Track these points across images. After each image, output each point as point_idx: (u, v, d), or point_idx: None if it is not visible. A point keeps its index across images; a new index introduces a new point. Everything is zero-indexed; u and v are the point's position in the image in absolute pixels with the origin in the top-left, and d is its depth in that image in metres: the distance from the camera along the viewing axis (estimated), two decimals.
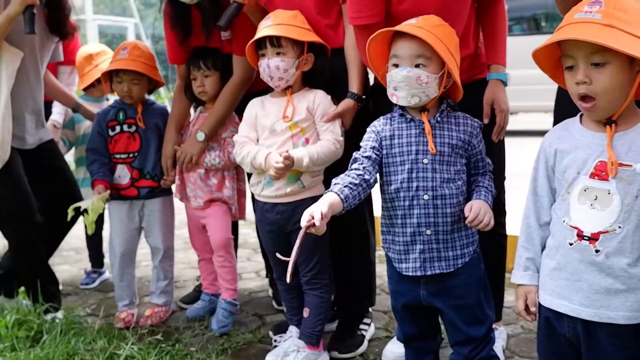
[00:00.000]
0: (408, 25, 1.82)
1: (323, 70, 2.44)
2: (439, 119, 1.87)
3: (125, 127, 2.92)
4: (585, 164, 1.48)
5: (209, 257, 3.03)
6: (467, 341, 1.88)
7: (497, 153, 2.28)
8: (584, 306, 1.49)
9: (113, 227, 2.99)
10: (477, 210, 1.79)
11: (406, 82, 1.80)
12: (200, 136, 2.77)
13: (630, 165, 1.42)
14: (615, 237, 1.44)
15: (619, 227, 1.44)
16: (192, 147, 2.80)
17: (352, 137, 2.40)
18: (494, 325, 2.41)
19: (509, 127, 2.37)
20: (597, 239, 1.46)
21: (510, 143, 2.51)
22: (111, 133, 2.93)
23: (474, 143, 1.89)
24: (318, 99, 2.38)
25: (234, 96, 2.77)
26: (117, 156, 2.92)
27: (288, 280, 1.75)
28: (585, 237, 1.48)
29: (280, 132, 2.36)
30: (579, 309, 1.50)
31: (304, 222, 1.69)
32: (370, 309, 2.74)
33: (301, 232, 1.74)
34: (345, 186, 1.80)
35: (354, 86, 2.39)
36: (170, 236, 3.08)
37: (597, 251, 1.46)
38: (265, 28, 2.31)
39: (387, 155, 1.90)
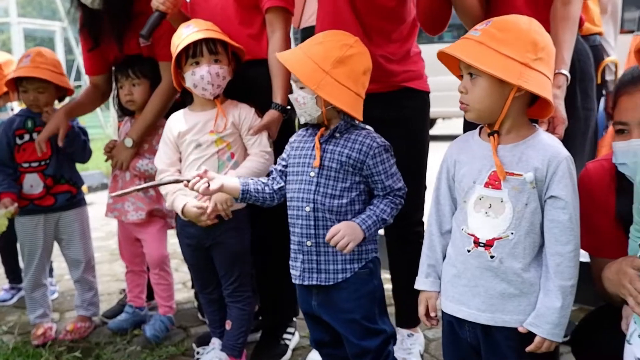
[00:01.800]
0: (286, 53, 1.87)
1: (242, 80, 2.43)
2: (336, 134, 1.86)
3: (34, 135, 2.83)
4: (480, 174, 1.55)
5: (138, 270, 2.98)
6: (363, 353, 1.89)
7: (418, 160, 2.35)
8: (481, 311, 1.55)
9: (25, 239, 2.89)
10: (335, 231, 1.78)
11: (293, 103, 1.87)
12: (128, 142, 2.73)
13: (521, 175, 1.50)
14: (508, 242, 1.51)
15: (512, 234, 1.51)
16: (121, 153, 2.76)
17: (279, 148, 2.43)
18: (410, 331, 2.49)
19: (432, 132, 2.43)
20: (491, 245, 1.52)
21: (434, 148, 2.57)
22: (19, 141, 2.84)
23: (369, 163, 1.83)
24: (244, 113, 2.37)
25: (163, 102, 2.73)
26: (27, 165, 2.83)
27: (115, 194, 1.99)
28: (481, 244, 1.54)
29: (205, 147, 2.32)
30: (477, 313, 1.56)
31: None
32: (294, 319, 2.75)
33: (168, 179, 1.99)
34: (252, 182, 1.96)
35: (277, 97, 2.38)
36: (91, 246, 3.02)
37: (492, 257, 1.53)
38: (194, 33, 2.26)
39: (288, 165, 1.95)
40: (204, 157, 2.32)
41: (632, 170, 1.64)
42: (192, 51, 2.27)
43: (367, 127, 1.89)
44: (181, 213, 2.31)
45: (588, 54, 2.02)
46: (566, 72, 1.78)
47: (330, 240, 1.78)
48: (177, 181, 1.96)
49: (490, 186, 1.53)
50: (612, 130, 2.31)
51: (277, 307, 2.68)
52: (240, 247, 2.38)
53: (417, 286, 1.73)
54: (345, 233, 1.78)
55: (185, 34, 2.26)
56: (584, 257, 1.81)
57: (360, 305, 1.87)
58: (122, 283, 3.36)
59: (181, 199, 2.30)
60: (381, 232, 2.07)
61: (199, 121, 2.34)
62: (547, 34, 1.55)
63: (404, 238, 2.43)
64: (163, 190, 2.38)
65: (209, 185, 1.87)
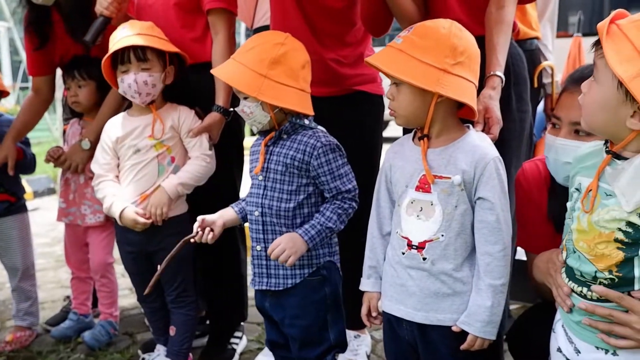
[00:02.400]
0: (221, 67, 1.87)
1: (186, 84, 2.41)
2: (283, 136, 1.84)
3: None
4: (412, 178, 1.58)
5: (84, 276, 2.92)
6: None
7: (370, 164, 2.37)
8: (417, 310, 1.58)
9: None
10: (275, 245, 1.77)
11: (242, 116, 1.86)
12: (86, 144, 2.67)
13: (449, 178, 1.53)
14: (439, 244, 1.55)
15: (442, 236, 1.54)
16: (77, 156, 2.70)
17: (222, 152, 2.42)
18: (357, 332, 2.52)
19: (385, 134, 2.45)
20: (423, 248, 1.56)
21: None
22: None
23: (313, 164, 1.79)
24: (183, 116, 2.34)
25: (119, 102, 2.67)
26: None
27: (146, 291, 1.93)
28: (414, 246, 1.57)
29: (145, 152, 2.30)
30: (413, 312, 1.59)
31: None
32: (242, 323, 2.75)
33: (179, 243, 1.94)
34: (244, 203, 1.95)
35: (219, 99, 2.37)
36: (30, 254, 2.94)
37: (424, 259, 1.56)
38: (126, 38, 2.22)
39: (248, 171, 1.95)
40: (143, 162, 2.29)
41: (552, 166, 1.70)
42: (121, 57, 2.24)
43: (316, 127, 1.86)
44: (119, 218, 2.27)
45: (522, 57, 2.07)
46: (500, 73, 1.81)
47: (272, 253, 1.77)
48: (187, 241, 1.96)
49: (420, 190, 1.56)
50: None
51: (225, 312, 2.66)
52: (183, 253, 2.34)
53: (361, 287, 1.75)
54: (285, 247, 1.75)
55: (118, 38, 2.23)
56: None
57: (308, 312, 1.86)
58: (66, 290, 3.28)
59: (119, 204, 2.27)
60: None
61: (138, 126, 2.32)
62: (469, 36, 1.57)
63: (350, 240, 2.44)
64: (100, 194, 2.34)
65: (213, 230, 1.92)
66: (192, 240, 1.94)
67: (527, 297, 2.66)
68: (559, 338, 1.47)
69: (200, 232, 1.92)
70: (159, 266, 2.03)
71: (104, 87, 2.66)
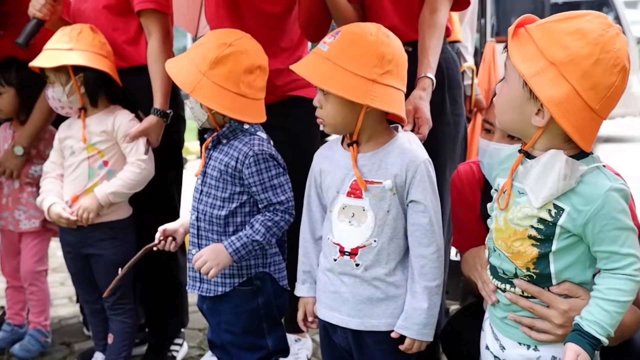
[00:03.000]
0: (173, 60, 1.86)
1: (128, 87, 2.37)
2: (222, 140, 1.81)
3: None
4: (343, 183, 1.57)
5: (19, 285, 2.82)
6: None
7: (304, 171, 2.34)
8: (351, 316, 1.57)
9: None
10: (198, 256, 1.73)
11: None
12: (19, 150, 2.60)
13: (381, 182, 1.52)
14: (371, 250, 1.54)
15: (375, 241, 1.54)
16: (11, 162, 2.62)
17: (161, 156, 2.38)
18: (297, 336, 2.51)
19: None
20: (356, 254, 1.55)
21: None
22: None
23: (245, 173, 1.74)
24: (118, 121, 2.31)
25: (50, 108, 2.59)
26: None
27: (105, 294, 2.00)
28: (346, 253, 1.56)
29: (77, 154, 2.30)
30: (347, 319, 1.58)
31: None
32: (182, 329, 2.71)
33: (141, 251, 1.94)
34: None
35: (157, 101, 2.33)
36: None
37: (357, 265, 1.55)
38: (41, 55, 2.24)
39: None
40: (75, 164, 2.30)
41: (486, 170, 1.74)
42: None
43: (256, 132, 1.81)
44: (47, 213, 2.28)
45: (456, 61, 2.10)
46: (431, 75, 1.82)
47: (195, 264, 1.74)
48: (149, 249, 1.95)
49: (352, 195, 1.55)
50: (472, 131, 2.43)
51: (163, 319, 2.61)
52: (120, 258, 2.30)
53: (296, 292, 1.74)
54: (207, 258, 1.71)
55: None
56: None
57: (240, 320, 1.83)
58: (1, 300, 3.16)
59: (49, 200, 2.28)
60: None
61: (77, 128, 2.32)
62: (397, 42, 1.55)
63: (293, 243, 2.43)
64: (40, 190, 2.36)
65: (175, 238, 1.92)
66: (154, 248, 1.93)
67: (467, 297, 2.71)
68: (486, 336, 1.50)
69: (162, 242, 1.91)
70: (119, 270, 2.04)
71: (24, 93, 2.62)
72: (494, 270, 1.44)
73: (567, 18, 1.28)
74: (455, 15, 2.92)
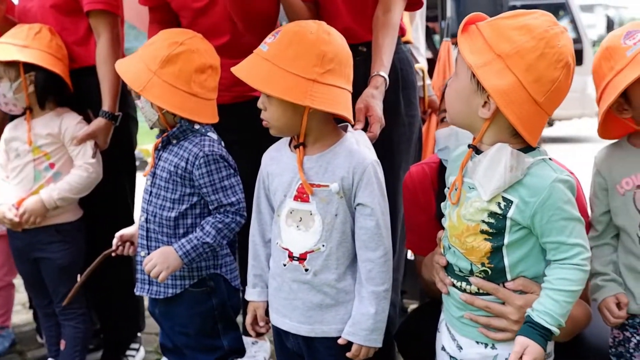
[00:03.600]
0: (124, 60, 1.82)
1: (78, 88, 2.32)
2: (172, 141, 1.77)
3: None
4: (290, 187, 1.53)
5: None
6: None
7: None
8: (301, 323, 1.54)
9: None
10: (148, 259, 1.70)
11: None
12: None
13: (327, 186, 1.48)
14: (320, 255, 1.50)
15: (323, 246, 1.50)
16: None
17: (111, 158, 2.33)
18: (255, 339, 2.48)
19: None
20: (305, 259, 1.51)
21: None
22: None
23: (195, 174, 1.71)
24: (65, 124, 2.27)
25: None
26: None
27: (64, 302, 2.08)
28: (295, 258, 1.53)
29: (23, 156, 2.26)
30: (298, 325, 1.55)
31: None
32: (138, 334, 2.66)
33: (99, 257, 1.95)
34: None
35: (105, 104, 2.29)
36: None
37: (306, 270, 1.52)
38: None
39: None
40: (20, 166, 2.25)
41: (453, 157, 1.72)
42: None
43: (207, 133, 1.77)
44: None
45: (410, 62, 2.09)
46: (384, 74, 1.80)
47: (145, 267, 1.70)
48: (108, 255, 1.96)
49: (299, 199, 1.51)
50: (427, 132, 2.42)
51: (118, 323, 2.57)
52: (68, 261, 2.28)
53: (246, 296, 1.70)
54: (156, 262, 1.68)
55: None
56: None
57: (194, 322, 1.81)
58: None
59: None
60: None
61: (23, 129, 2.26)
62: (339, 39, 1.51)
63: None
64: None
65: (133, 243, 1.92)
66: (112, 254, 1.92)
67: (425, 297, 2.72)
68: (443, 337, 1.49)
69: (120, 247, 1.91)
70: (79, 277, 2.03)
71: None
72: (450, 269, 1.44)
73: (515, 15, 1.32)
74: (405, 16, 2.92)
